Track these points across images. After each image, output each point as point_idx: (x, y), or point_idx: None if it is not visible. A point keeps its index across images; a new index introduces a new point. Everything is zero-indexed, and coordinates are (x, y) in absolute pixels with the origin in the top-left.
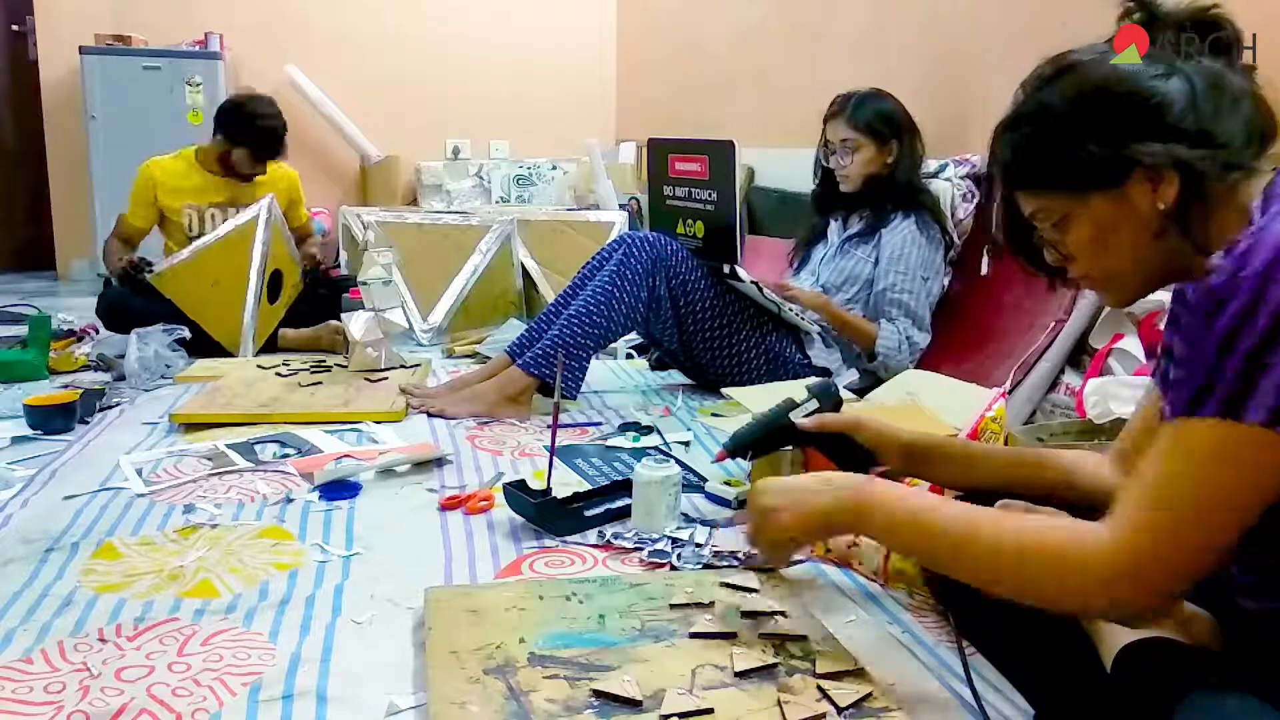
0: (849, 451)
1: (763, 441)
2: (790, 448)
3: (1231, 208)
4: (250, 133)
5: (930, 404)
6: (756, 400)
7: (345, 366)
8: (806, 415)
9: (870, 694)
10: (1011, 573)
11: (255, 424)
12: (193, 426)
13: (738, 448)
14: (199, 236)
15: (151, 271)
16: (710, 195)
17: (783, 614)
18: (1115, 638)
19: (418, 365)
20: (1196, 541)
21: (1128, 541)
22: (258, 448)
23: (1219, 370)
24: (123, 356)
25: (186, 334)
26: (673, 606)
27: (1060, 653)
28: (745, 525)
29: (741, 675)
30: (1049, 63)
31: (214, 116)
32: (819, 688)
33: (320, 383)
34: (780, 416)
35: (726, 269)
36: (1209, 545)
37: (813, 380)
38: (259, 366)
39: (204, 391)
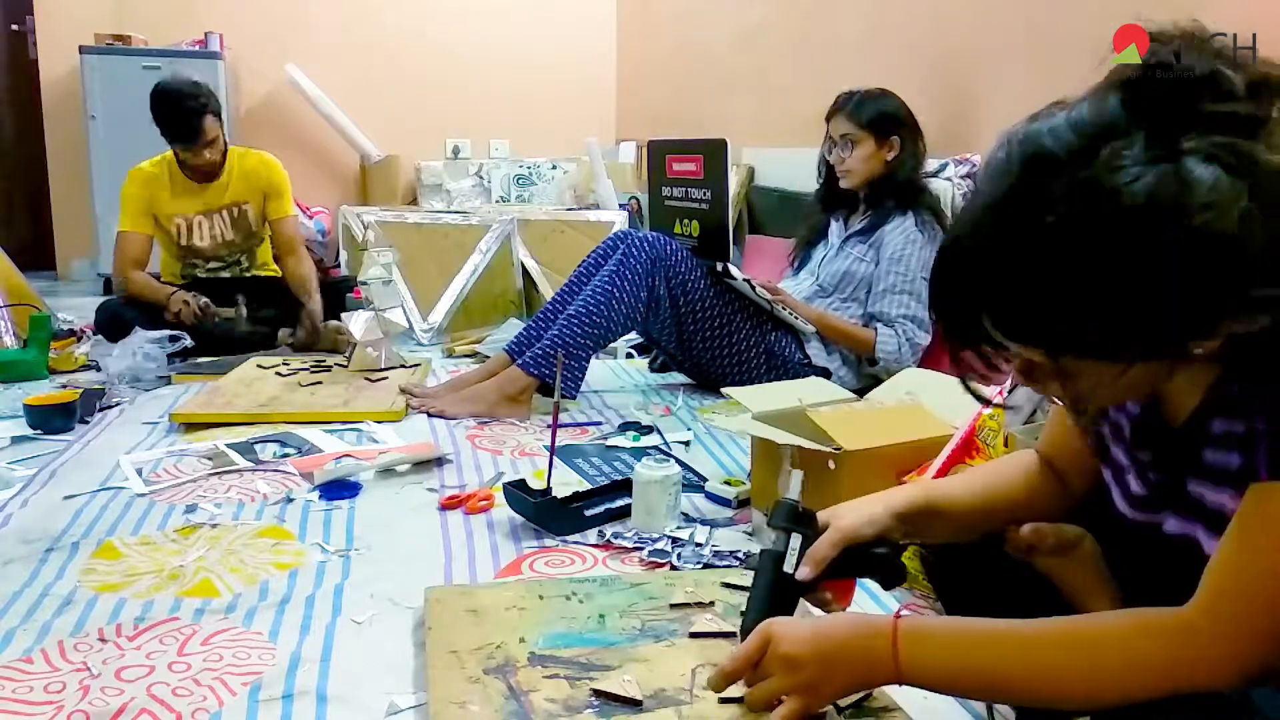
0: (861, 556)
1: (774, 608)
2: (794, 526)
3: None
4: (160, 116)
5: (929, 403)
6: (756, 400)
7: (345, 366)
8: (795, 557)
9: (870, 693)
10: (1114, 682)
11: (255, 424)
12: (193, 426)
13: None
14: (189, 246)
15: (222, 321)
16: (705, 194)
17: None
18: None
19: (418, 365)
20: None
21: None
22: (258, 447)
23: None
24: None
25: (189, 342)
26: (673, 606)
27: None
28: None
29: None
30: (1044, 155)
31: None
32: None
33: (320, 382)
34: (775, 580)
35: (720, 266)
36: None
37: (776, 511)
38: (259, 366)
39: (204, 391)
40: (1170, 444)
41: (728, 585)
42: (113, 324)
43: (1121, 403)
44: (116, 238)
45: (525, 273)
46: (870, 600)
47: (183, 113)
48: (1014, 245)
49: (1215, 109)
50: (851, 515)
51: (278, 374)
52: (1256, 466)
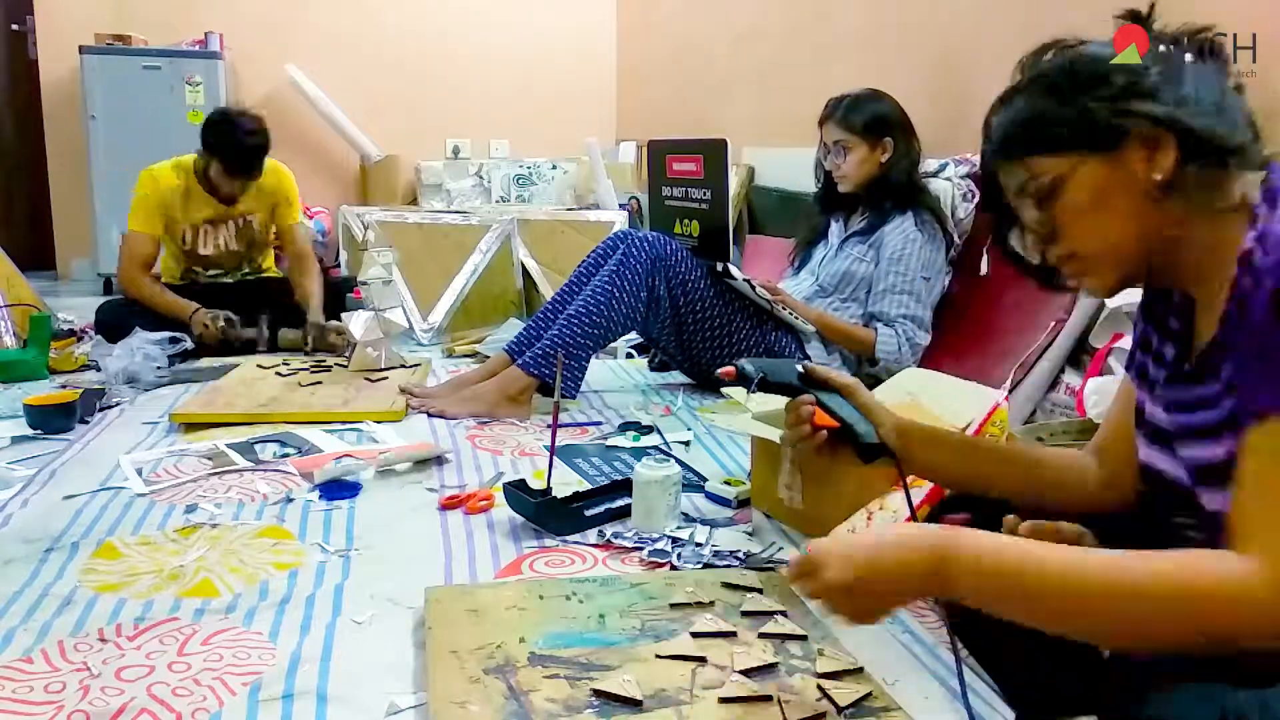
0: (848, 431)
1: (773, 374)
2: (790, 448)
3: (1227, 199)
4: (225, 146)
5: (931, 404)
6: (757, 399)
7: (345, 366)
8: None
9: (870, 693)
10: (1155, 618)
11: (255, 424)
12: (193, 426)
13: (744, 372)
14: (192, 250)
15: (246, 340)
16: (705, 194)
17: (783, 613)
18: None
19: (418, 365)
20: None
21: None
22: (258, 447)
23: None
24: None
25: (189, 344)
26: (673, 606)
27: (1051, 658)
28: (811, 597)
29: (742, 674)
30: (1047, 44)
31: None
32: (819, 687)
33: (320, 382)
34: (788, 361)
35: (720, 266)
36: None
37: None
38: (259, 366)
39: (204, 391)
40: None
41: (728, 585)
42: (113, 324)
43: (1104, 248)
44: (124, 237)
45: (525, 273)
46: None
47: (249, 149)
48: (1011, 85)
49: None
50: (863, 388)
51: (278, 374)
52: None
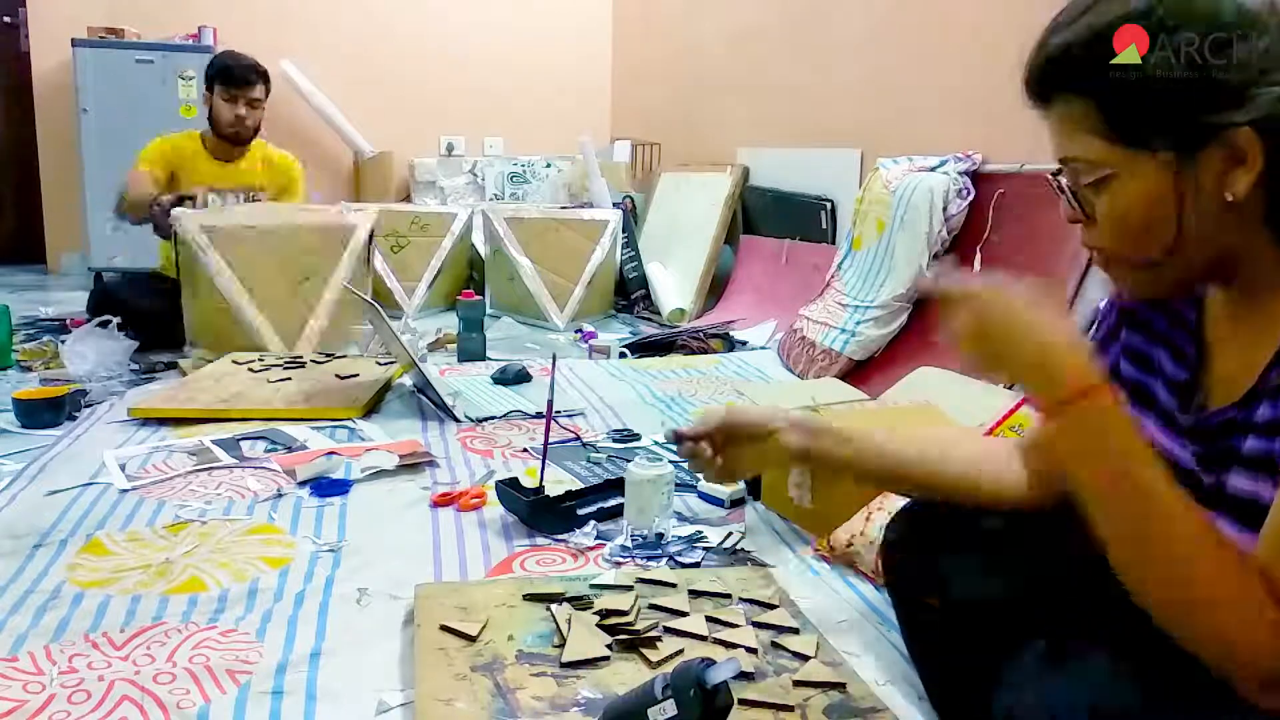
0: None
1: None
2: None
3: None
4: (225, 66)
5: (942, 403)
6: (769, 399)
7: (321, 363)
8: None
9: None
10: (1180, 601)
11: (215, 420)
12: (181, 422)
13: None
14: None
15: (192, 206)
16: None
17: (775, 609)
18: None
19: (392, 362)
20: None
21: None
22: (244, 444)
23: None
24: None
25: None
26: (662, 607)
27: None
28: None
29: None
30: None
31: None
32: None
33: (289, 379)
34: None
35: None
36: None
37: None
38: (234, 361)
39: (171, 385)
40: (1211, 431)
41: (698, 592)
42: (103, 304)
43: (1146, 263)
44: (128, 176)
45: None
46: (844, 583)
47: (247, 64)
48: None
49: None
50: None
51: (250, 370)
52: None
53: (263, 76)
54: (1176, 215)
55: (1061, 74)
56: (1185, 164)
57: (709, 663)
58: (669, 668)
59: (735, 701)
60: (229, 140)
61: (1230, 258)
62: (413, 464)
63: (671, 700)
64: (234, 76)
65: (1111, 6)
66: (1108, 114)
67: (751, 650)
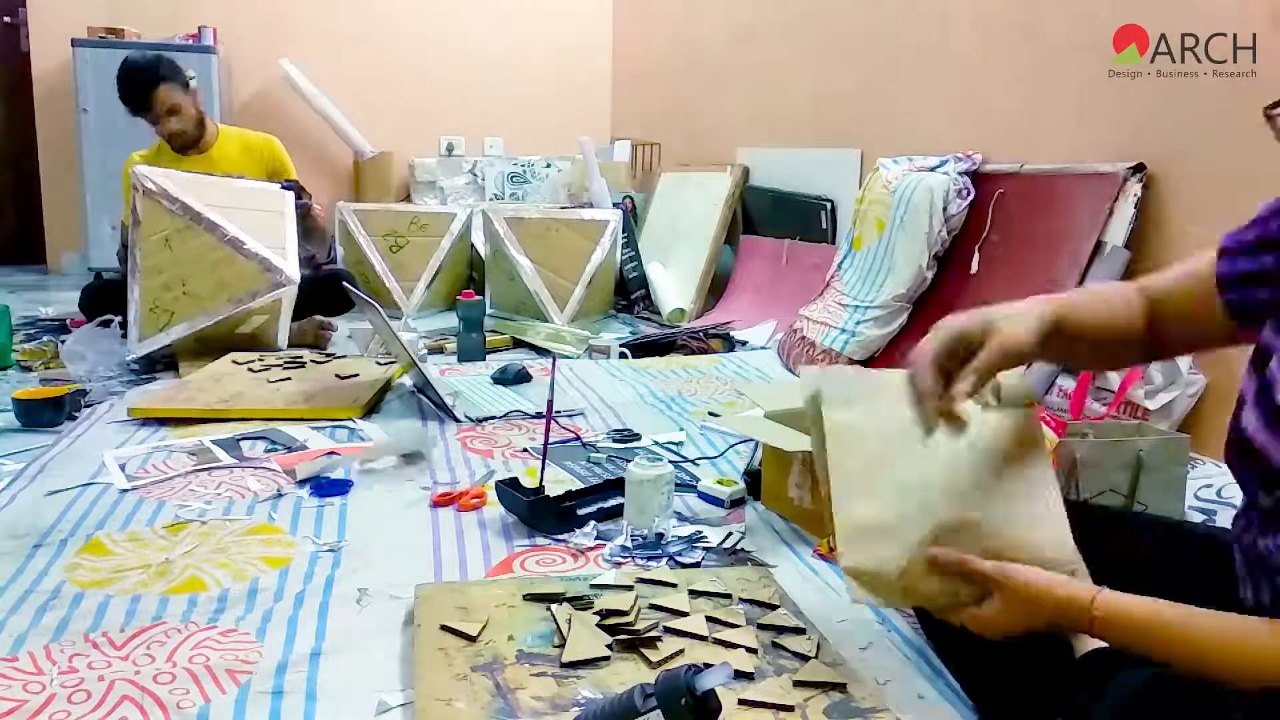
0: None
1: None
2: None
3: None
4: (119, 94)
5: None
6: (769, 399)
7: (321, 363)
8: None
9: (851, 696)
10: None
11: (215, 420)
12: (181, 422)
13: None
14: None
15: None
16: None
17: (776, 609)
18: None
19: (392, 362)
20: None
21: None
22: (244, 444)
23: None
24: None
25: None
26: (663, 607)
27: (1017, 659)
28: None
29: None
30: None
31: None
32: (794, 682)
33: (289, 379)
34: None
35: None
36: None
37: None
38: (234, 361)
39: (170, 385)
40: None
41: (695, 593)
42: (94, 303)
43: None
44: (121, 229)
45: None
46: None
47: (130, 82)
48: None
49: None
50: (1009, 325)
51: (250, 370)
52: None
53: (155, 82)
54: None
55: None
56: None
57: (696, 669)
58: (669, 667)
59: (720, 707)
60: (179, 150)
61: None
62: (409, 455)
63: (657, 711)
64: (129, 102)
65: None
66: None
67: (752, 650)
